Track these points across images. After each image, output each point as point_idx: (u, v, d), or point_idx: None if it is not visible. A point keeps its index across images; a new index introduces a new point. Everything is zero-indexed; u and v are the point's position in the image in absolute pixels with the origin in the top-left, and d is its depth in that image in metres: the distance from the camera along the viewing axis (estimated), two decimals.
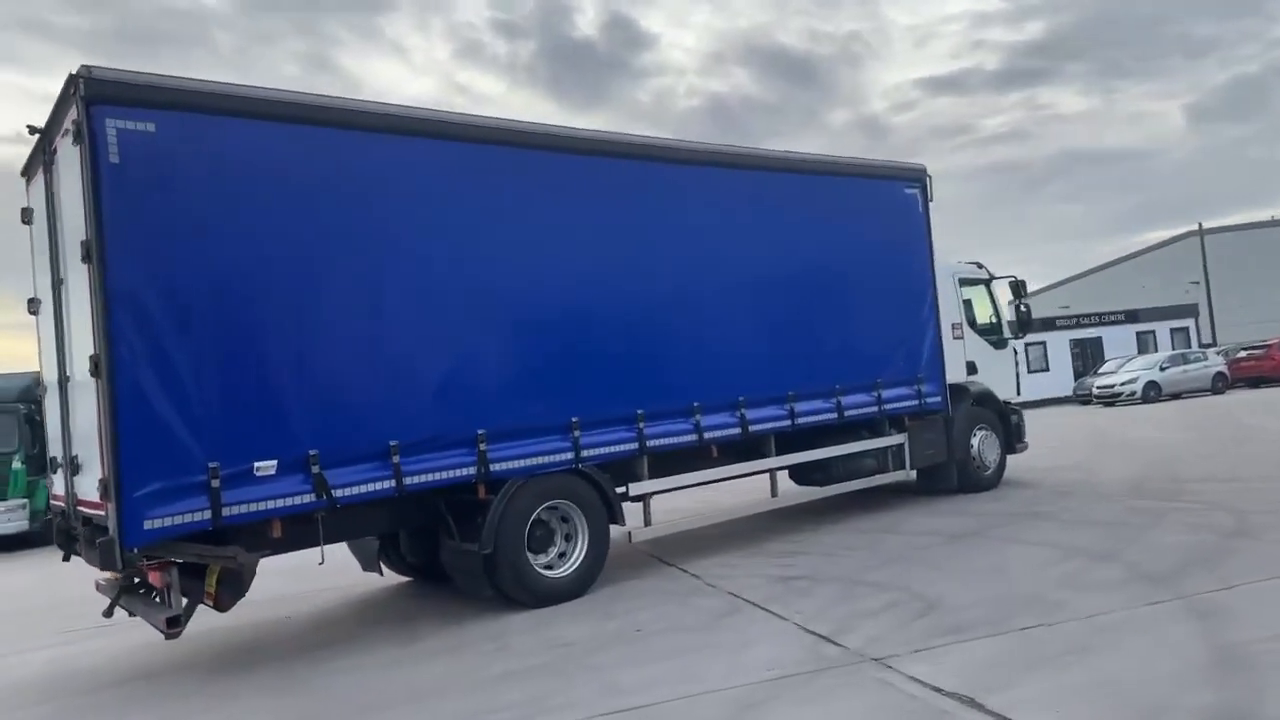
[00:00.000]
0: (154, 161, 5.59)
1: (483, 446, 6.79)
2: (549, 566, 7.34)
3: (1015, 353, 12.21)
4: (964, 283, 11.66)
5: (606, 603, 7.07)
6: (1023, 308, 11.90)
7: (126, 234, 5.47)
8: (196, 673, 6.23)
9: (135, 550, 5.48)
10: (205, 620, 7.42)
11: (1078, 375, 34.76)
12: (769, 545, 8.78)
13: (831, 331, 9.39)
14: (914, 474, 10.33)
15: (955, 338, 11.25)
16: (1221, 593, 5.70)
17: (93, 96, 5.43)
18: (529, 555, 7.17)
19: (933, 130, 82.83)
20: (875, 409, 9.72)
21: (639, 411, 7.74)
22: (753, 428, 8.55)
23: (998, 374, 11.72)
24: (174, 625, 5.75)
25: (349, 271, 6.34)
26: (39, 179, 6.67)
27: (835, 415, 9.29)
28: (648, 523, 8.07)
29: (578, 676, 5.26)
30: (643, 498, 7.99)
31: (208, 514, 5.62)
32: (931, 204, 10.66)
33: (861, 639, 5.44)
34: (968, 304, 11.75)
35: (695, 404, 8.13)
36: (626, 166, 7.92)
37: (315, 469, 6.03)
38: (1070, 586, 6.19)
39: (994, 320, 12.04)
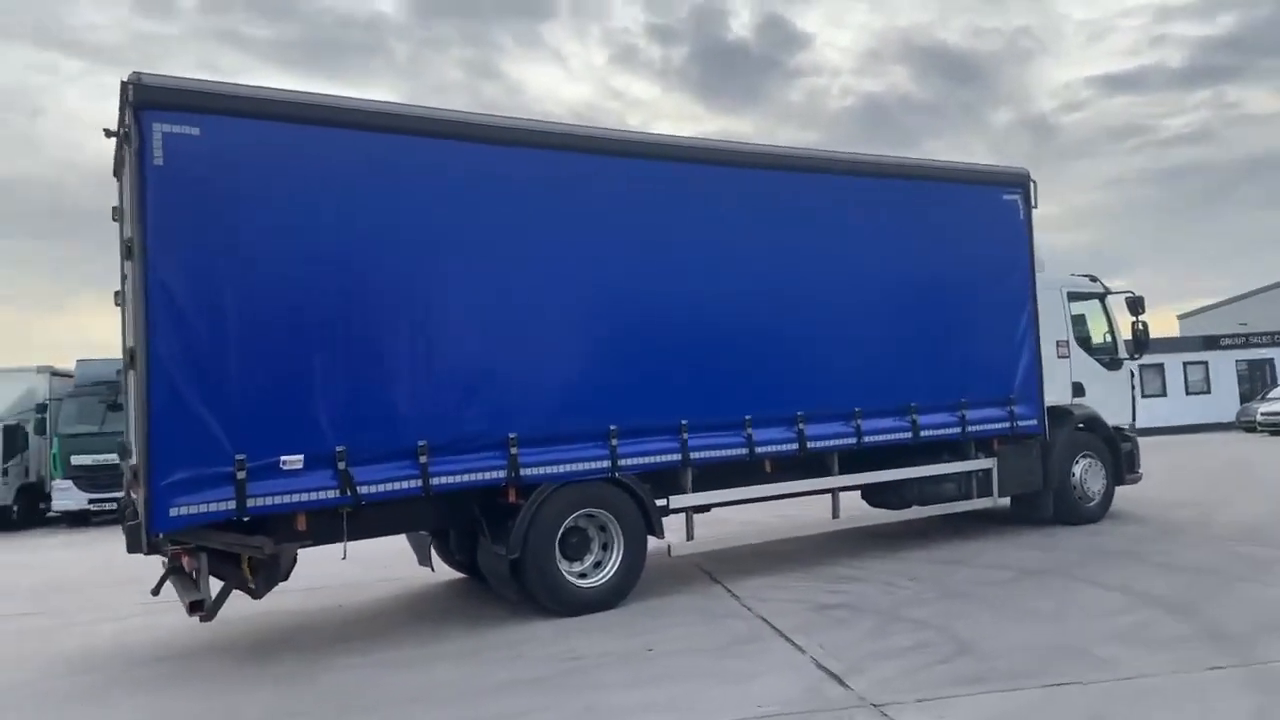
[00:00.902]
0: (197, 164, 5.83)
1: (514, 450, 6.77)
2: (583, 575, 7.25)
3: (1132, 375, 11.19)
4: (1073, 297, 10.79)
5: (635, 617, 6.92)
6: (1139, 326, 10.88)
7: (167, 233, 5.74)
8: (226, 657, 6.48)
9: (160, 535, 5.76)
10: (265, 603, 7.78)
11: (1244, 400, 31.77)
12: (829, 569, 8.38)
13: (909, 346, 8.85)
14: (1001, 501, 9.64)
15: (1060, 357, 10.42)
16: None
17: (140, 102, 5.71)
18: (561, 562, 7.11)
19: (1106, 131, 77.50)
20: (958, 430, 9.10)
21: (683, 422, 7.52)
22: (811, 444, 8.17)
23: (1110, 397, 10.77)
24: (196, 609, 5.99)
25: (384, 273, 6.44)
26: (122, 179, 7.11)
27: (910, 435, 8.76)
28: (690, 537, 7.85)
29: (570, 694, 5.14)
30: (685, 511, 7.77)
31: (233, 504, 5.83)
32: (1036, 211, 9.92)
33: (870, 681, 5.07)
34: (1078, 320, 10.87)
35: (747, 417, 7.84)
36: (667, 168, 7.68)
37: (342, 465, 6.15)
38: (1127, 640, 5.59)
39: (1108, 339, 11.08)
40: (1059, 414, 10.11)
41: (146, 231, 5.70)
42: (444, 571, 8.70)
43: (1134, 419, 11.13)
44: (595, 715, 4.75)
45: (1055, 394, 10.16)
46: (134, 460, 6.61)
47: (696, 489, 7.81)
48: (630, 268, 7.43)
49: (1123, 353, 11.06)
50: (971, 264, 9.38)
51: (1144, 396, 32.01)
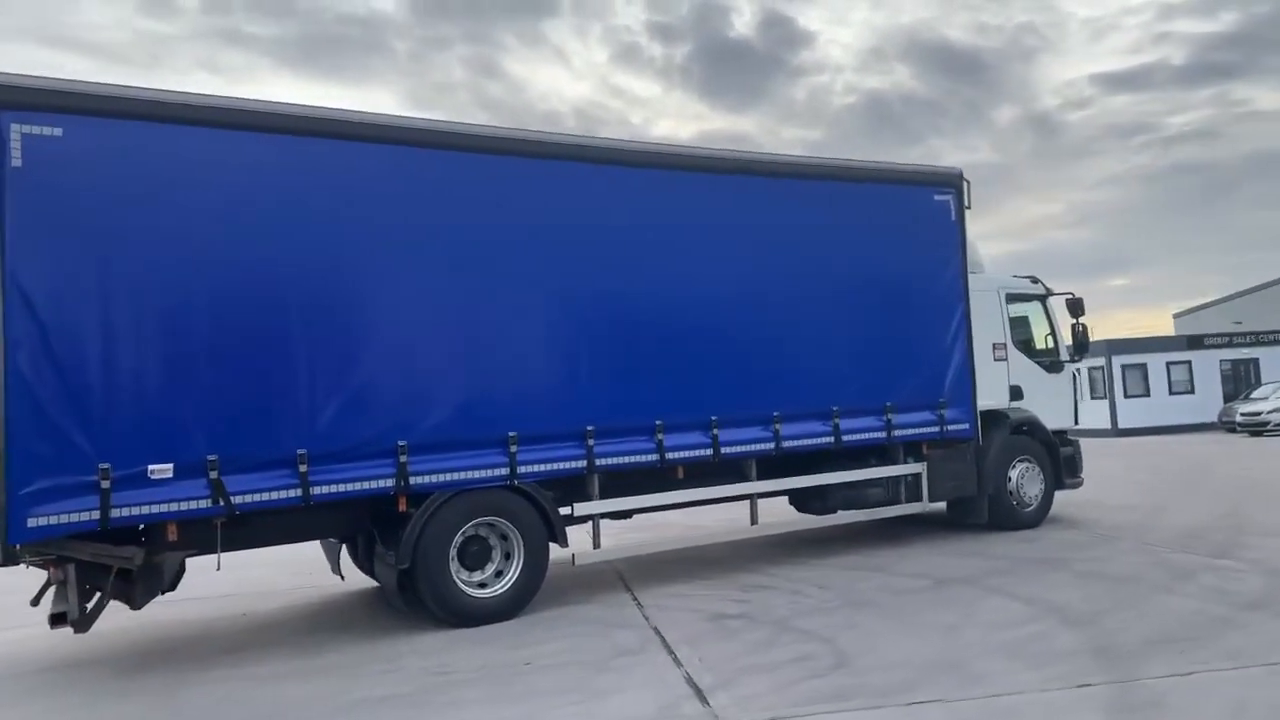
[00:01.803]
0: (58, 165, 5.67)
1: (403, 459, 6.60)
2: (483, 584, 7.09)
3: (1075, 377, 11.02)
4: (1013, 299, 10.62)
5: (529, 628, 6.75)
6: (1080, 328, 10.70)
7: (25, 237, 5.57)
8: (107, 668, 6.31)
9: (18, 547, 5.59)
10: (173, 610, 7.67)
11: (1227, 400, 31.56)
12: (744, 575, 8.22)
13: (832, 349, 8.69)
14: (938, 506, 9.46)
15: (997, 359, 10.26)
16: (1171, 680, 4.83)
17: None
18: (461, 572, 6.96)
19: (1110, 129, 77.20)
20: (883, 434, 8.94)
21: (588, 428, 7.36)
22: (726, 450, 8.01)
23: (1050, 400, 10.60)
24: (58, 623, 5.85)
25: (257, 275, 6.26)
26: None
27: (831, 440, 8.60)
28: (596, 545, 7.68)
29: (421, 712, 4.98)
30: (592, 518, 7.60)
31: (97, 515, 5.66)
32: (969, 210, 9.75)
33: (733, 698, 4.90)
34: (1018, 322, 10.70)
35: (657, 422, 7.68)
36: (572, 169, 7.52)
37: (214, 474, 5.99)
38: (1012, 655, 5.42)
39: (1050, 341, 10.91)
40: (994, 418, 9.94)
41: (3, 236, 5.53)
42: (362, 580, 8.54)
43: (1076, 422, 10.96)
44: None
45: (991, 397, 10.01)
46: None
47: (608, 495, 7.66)
48: (528, 270, 7.25)
49: (1065, 355, 10.89)
50: (899, 266, 9.22)
51: (1127, 397, 32.23)
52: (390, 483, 6.60)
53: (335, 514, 6.85)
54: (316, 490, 6.32)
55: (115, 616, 6.80)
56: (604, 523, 7.83)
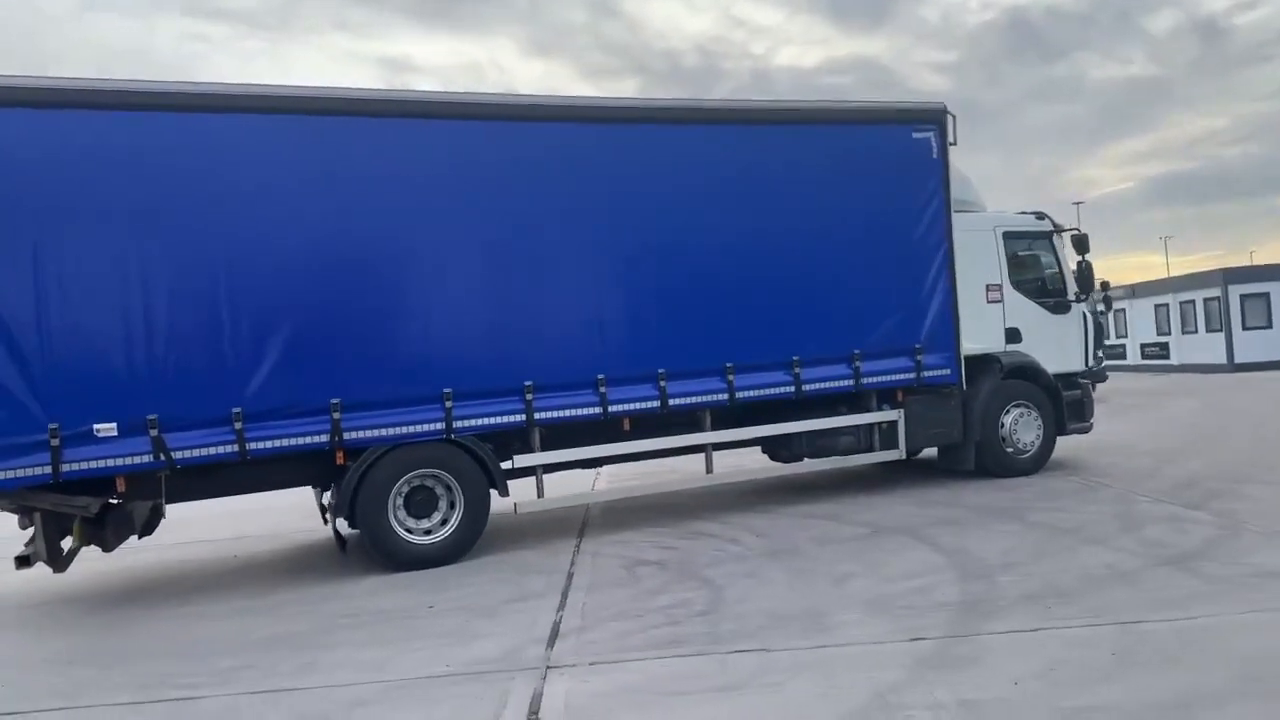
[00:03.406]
0: None
1: (336, 415, 7.02)
2: (429, 532, 7.50)
3: (1085, 318, 10.45)
4: (1012, 236, 10.14)
5: (458, 573, 7.14)
6: (1084, 265, 10.13)
7: None
8: (73, 605, 7.04)
9: None
10: (170, 551, 8.47)
11: None
12: (695, 524, 8.36)
13: (792, 297, 8.59)
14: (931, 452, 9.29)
15: (991, 301, 9.88)
16: (1008, 636, 4.76)
17: None
18: (407, 520, 7.39)
19: None
20: (850, 382, 8.81)
21: (527, 383, 7.60)
22: (674, 402, 8.11)
23: (1055, 343, 10.13)
24: (22, 564, 6.61)
25: (187, 241, 6.71)
26: None
27: (792, 389, 8.56)
28: (540, 494, 7.96)
29: (305, 651, 5.40)
30: (532, 470, 7.88)
31: (48, 469, 6.33)
32: (954, 147, 9.35)
33: (578, 643, 5.14)
34: (1021, 261, 10.22)
35: (600, 376, 7.84)
36: (506, 127, 7.66)
37: (154, 432, 6.56)
38: (878, 607, 5.42)
39: (1057, 280, 10.37)
40: (982, 362, 9.62)
41: None
42: None
43: (1087, 365, 10.44)
44: (302, 674, 5.00)
45: (983, 341, 9.69)
46: None
47: (553, 447, 7.92)
48: (467, 224, 7.50)
49: (1073, 295, 10.35)
50: (870, 208, 8.97)
51: (1245, 329, 29.96)
52: (325, 438, 7.04)
53: (289, 466, 7.36)
54: (253, 446, 6.83)
55: (125, 557, 7.62)
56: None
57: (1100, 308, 19.91)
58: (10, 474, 6.26)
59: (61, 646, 5.97)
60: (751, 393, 8.42)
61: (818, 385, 8.68)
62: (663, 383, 8.05)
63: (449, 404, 7.35)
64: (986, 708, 3.87)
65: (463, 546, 7.54)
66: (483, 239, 7.58)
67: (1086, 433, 10.31)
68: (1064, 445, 10.63)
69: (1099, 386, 20.28)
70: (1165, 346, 31.67)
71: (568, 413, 7.79)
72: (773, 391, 8.51)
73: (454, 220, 7.48)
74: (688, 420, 8.45)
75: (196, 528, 9.36)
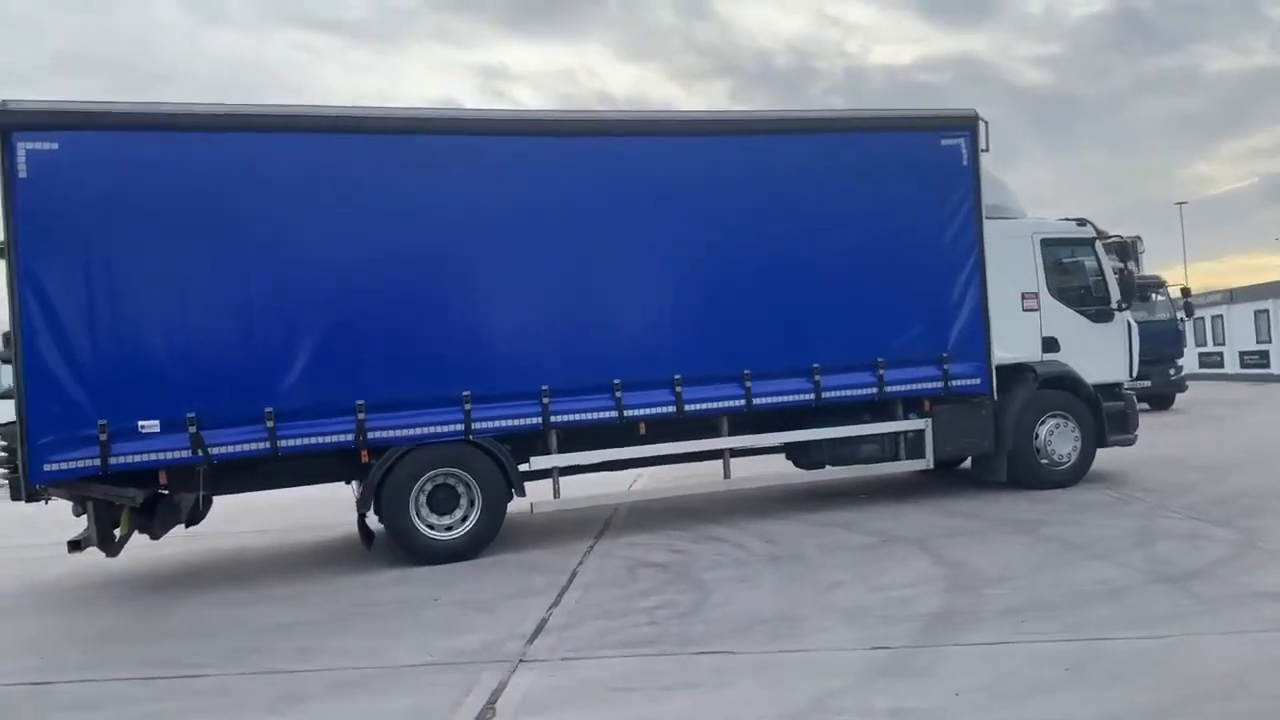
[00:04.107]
0: (56, 173, 6.82)
1: (361, 416, 7.43)
2: (450, 528, 7.85)
3: (1130, 327, 10.15)
4: (1051, 244, 9.93)
5: (471, 568, 7.47)
6: (1125, 273, 9.85)
7: (32, 234, 6.79)
8: (139, 585, 7.65)
9: (39, 487, 6.93)
10: (228, 539, 9.11)
11: None
12: (710, 527, 8.50)
13: (812, 304, 8.63)
14: (931, 464, 9.21)
15: (1026, 310, 9.71)
16: (969, 649, 4.81)
17: (7, 125, 6.76)
18: (425, 516, 7.75)
19: None
20: (873, 391, 8.81)
21: (544, 387, 7.88)
22: (690, 408, 8.27)
23: (1096, 352, 9.88)
24: (74, 548, 7.22)
25: (226, 258, 7.23)
26: None
27: (811, 397, 8.61)
28: (556, 495, 8.22)
29: (312, 637, 5.80)
30: (550, 472, 8.14)
31: (97, 461, 6.90)
32: (985, 153, 9.25)
33: (556, 639, 5.39)
34: (1061, 269, 10.02)
35: (616, 381, 8.06)
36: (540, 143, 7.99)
37: (193, 429, 7.08)
38: (854, 615, 5.50)
39: (1100, 288, 10.11)
40: (1016, 372, 9.47)
41: (16, 233, 6.79)
42: None
43: (1131, 375, 10.15)
44: (301, 658, 5.38)
45: (1018, 350, 9.54)
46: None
47: (570, 449, 8.19)
48: (491, 236, 7.85)
49: (1115, 303, 10.07)
50: (897, 216, 8.96)
51: None
52: (350, 437, 7.46)
53: (320, 463, 7.81)
54: (284, 443, 7.30)
55: (177, 543, 8.23)
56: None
57: (1180, 315, 19.24)
58: (65, 465, 6.85)
59: (102, 625, 6.52)
60: (769, 399, 8.51)
61: (839, 393, 8.71)
62: (678, 389, 8.23)
63: (468, 406, 7.69)
64: (916, 715, 3.95)
65: (480, 543, 7.86)
66: (505, 250, 7.90)
67: (1130, 445, 10.03)
68: (1111, 457, 10.41)
69: (1178, 397, 19.77)
70: (1265, 355, 30.12)
71: (584, 416, 8.04)
72: (791, 399, 8.59)
73: (478, 232, 7.81)
74: (706, 425, 8.60)
75: (252, 518, 9.95)
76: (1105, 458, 10.34)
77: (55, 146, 6.85)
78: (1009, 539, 7.35)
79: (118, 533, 7.47)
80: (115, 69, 63.10)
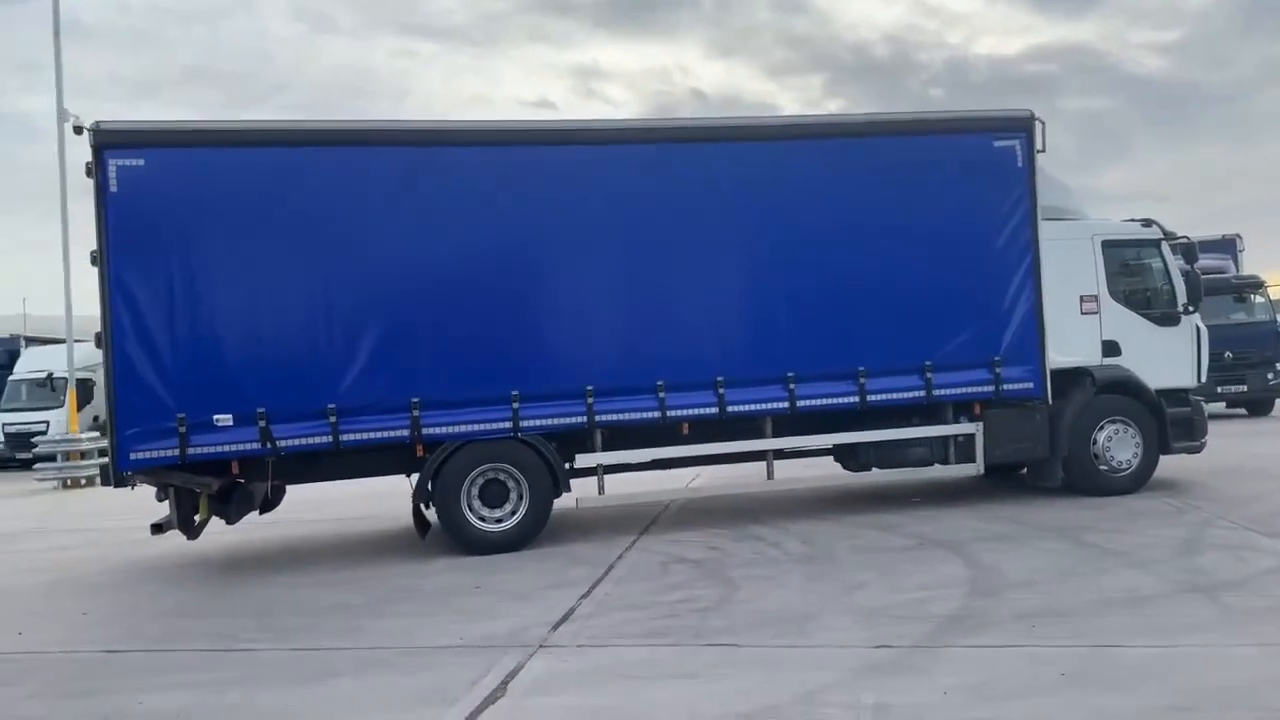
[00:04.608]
0: (142, 187, 7.47)
1: (416, 413, 7.87)
2: (500, 520, 8.23)
3: (1199, 330, 9.82)
4: (1113, 245, 9.69)
5: (518, 559, 7.81)
6: (1191, 275, 9.53)
7: (122, 243, 7.46)
8: (203, 568, 8.28)
9: (127, 474, 7.59)
10: (306, 526, 9.74)
11: None
12: (753, 526, 8.63)
13: (860, 308, 8.69)
14: (981, 468, 9.14)
15: (1086, 313, 9.50)
16: (967, 650, 4.88)
17: (99, 143, 7.41)
18: (481, 509, 8.14)
19: None
20: (921, 394, 8.81)
21: (589, 387, 8.17)
22: (733, 409, 8.44)
23: (1160, 357, 9.59)
24: (156, 530, 7.86)
25: (296, 268, 7.78)
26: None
27: (856, 400, 8.68)
28: (601, 491, 8.50)
29: (357, 618, 6.22)
30: (595, 469, 8.43)
31: (176, 451, 7.52)
32: (1042, 154, 9.12)
33: (579, 627, 5.69)
34: (1121, 271, 9.78)
35: (659, 382, 8.29)
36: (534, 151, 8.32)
37: (263, 423, 7.63)
38: (871, 615, 5.60)
39: (1166, 291, 9.81)
40: (1073, 376, 9.30)
41: (107, 243, 7.46)
42: None
43: (1199, 380, 9.82)
44: (343, 636, 5.81)
45: (1076, 354, 9.37)
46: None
47: (616, 447, 8.47)
48: (528, 242, 8.19)
49: (1181, 307, 9.76)
50: (948, 219, 8.92)
51: None
52: (406, 433, 7.91)
53: (380, 456, 8.29)
54: (345, 437, 7.80)
55: (254, 529, 8.86)
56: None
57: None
58: (148, 454, 7.50)
59: (178, 601, 7.12)
60: (813, 402, 8.61)
61: (884, 396, 8.74)
62: (721, 390, 8.41)
63: (516, 405, 8.05)
64: (897, 711, 4.07)
65: (527, 535, 8.21)
66: (553, 257, 8.24)
67: (1197, 452, 9.72)
68: (1183, 465, 10.14)
69: (1277, 403, 18.81)
70: None
71: (628, 416, 8.31)
72: (836, 401, 8.67)
73: (526, 240, 8.17)
74: (751, 426, 8.75)
75: (333, 508, 10.53)
76: (1176, 466, 10.09)
77: (142, 163, 7.49)
78: (1047, 545, 7.28)
79: (197, 518, 8.10)
80: (238, 79, 66.86)
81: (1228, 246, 20.97)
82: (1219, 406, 19.02)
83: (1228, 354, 17.82)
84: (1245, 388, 18.32)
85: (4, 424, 21.73)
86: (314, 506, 10.09)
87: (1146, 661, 4.58)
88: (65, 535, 10.44)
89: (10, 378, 23.03)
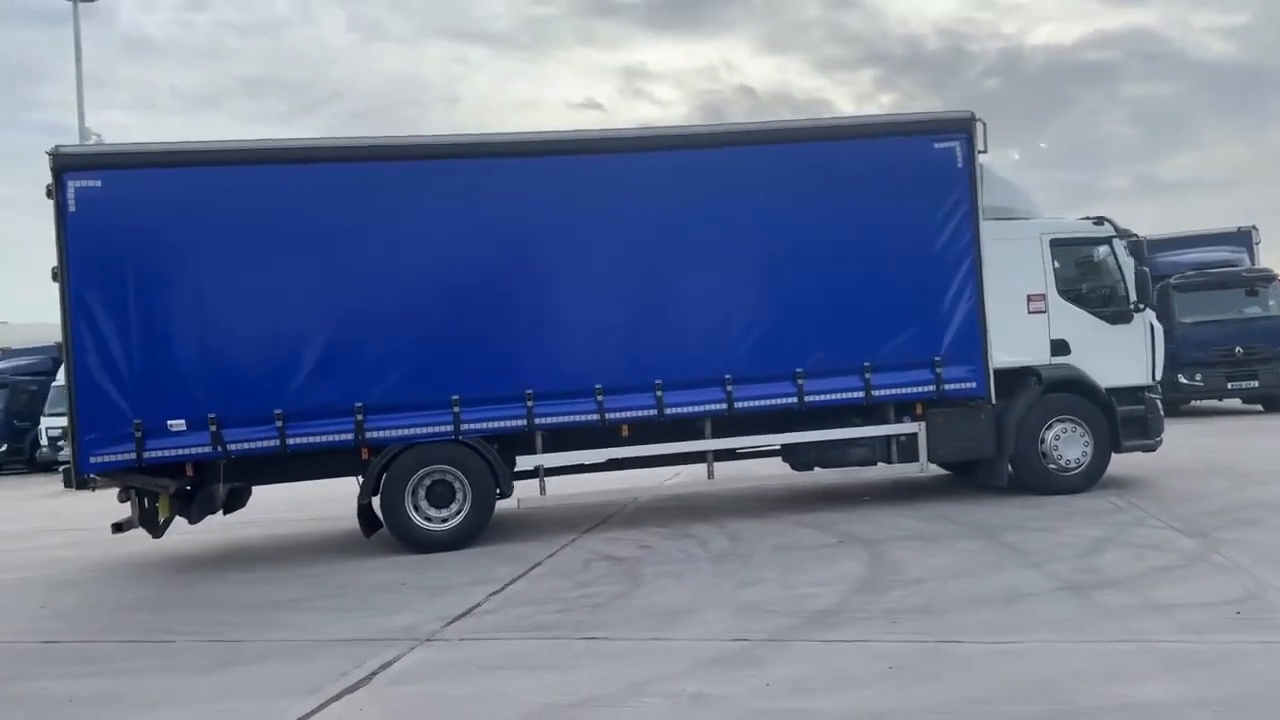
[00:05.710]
0: (99, 207, 7.94)
1: (359, 417, 8.25)
2: (445, 520, 8.57)
3: (1152, 328, 9.77)
4: (1063, 244, 9.69)
5: (453, 558, 8.12)
6: (1140, 272, 9.48)
7: (80, 261, 7.94)
8: (165, 566, 8.74)
9: (88, 476, 8.09)
10: (280, 526, 10.16)
11: None
12: (693, 525, 8.84)
13: (797, 311, 8.86)
14: (929, 467, 9.25)
15: (1033, 311, 9.53)
16: (817, 645, 5.08)
17: (59, 166, 7.91)
18: (423, 509, 8.49)
19: None
20: (860, 395, 8.94)
21: (528, 391, 8.47)
22: (671, 410, 8.67)
23: (1113, 354, 9.58)
24: (116, 529, 8.35)
25: (243, 281, 8.19)
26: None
27: (795, 400, 8.84)
28: (542, 492, 8.80)
29: (281, 613, 6.63)
30: (536, 471, 8.73)
31: (133, 455, 7.99)
32: (984, 155, 9.19)
33: (473, 622, 6.01)
34: (1071, 269, 9.78)
35: (597, 385, 8.55)
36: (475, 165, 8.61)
37: (214, 428, 8.08)
38: (751, 610, 5.84)
39: (1117, 288, 9.78)
40: (1018, 375, 9.35)
41: (67, 260, 7.95)
42: None
43: (1154, 378, 9.77)
44: (260, 629, 6.21)
45: (1025, 353, 9.41)
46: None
47: (555, 449, 8.76)
48: (464, 251, 8.51)
49: (1133, 304, 9.71)
50: (889, 222, 9.01)
51: None
52: (350, 437, 8.29)
53: (329, 459, 8.68)
54: (292, 441, 8.20)
55: (218, 529, 9.30)
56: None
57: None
58: (107, 458, 7.98)
59: (133, 598, 7.57)
60: (751, 403, 8.79)
61: (823, 397, 8.88)
62: (659, 393, 8.64)
63: (457, 409, 8.38)
64: (712, 701, 4.31)
65: (471, 534, 8.53)
66: (490, 266, 8.54)
67: (1152, 450, 9.68)
68: (1143, 463, 10.10)
69: None
70: None
71: (567, 419, 8.59)
72: (774, 402, 8.84)
73: (459, 250, 8.50)
74: (692, 427, 8.97)
75: (311, 508, 10.87)
76: (1138, 463, 10.08)
77: (99, 184, 7.97)
78: (963, 544, 7.40)
79: (161, 518, 8.58)
80: (295, 89, 68.66)
81: (1243, 238, 20.54)
82: (1235, 403, 18.72)
83: (1238, 349, 17.55)
84: (1257, 383, 17.94)
85: (47, 428, 22.82)
86: (296, 506, 10.56)
87: (976, 657, 4.74)
88: (54, 535, 11.04)
89: (54, 383, 24.17)
